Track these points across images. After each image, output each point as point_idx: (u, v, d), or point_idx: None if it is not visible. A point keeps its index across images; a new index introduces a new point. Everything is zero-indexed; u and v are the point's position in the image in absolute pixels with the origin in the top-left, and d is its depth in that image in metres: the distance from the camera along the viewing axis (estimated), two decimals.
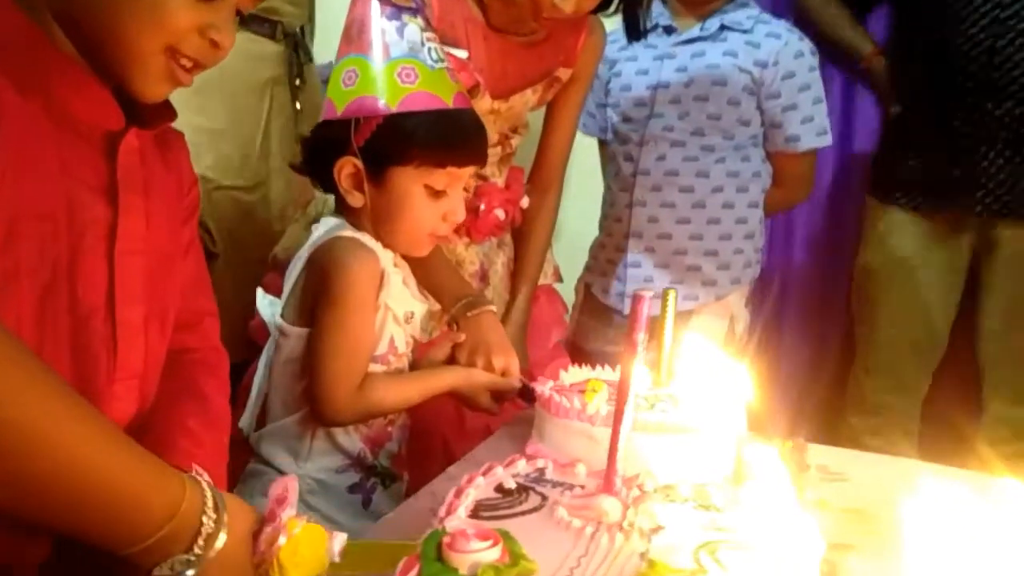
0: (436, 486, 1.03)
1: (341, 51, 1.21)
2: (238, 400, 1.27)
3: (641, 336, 0.83)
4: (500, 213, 1.58)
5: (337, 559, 0.77)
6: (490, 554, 0.67)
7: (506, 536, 0.70)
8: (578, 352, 1.85)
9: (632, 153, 1.79)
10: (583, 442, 1.09)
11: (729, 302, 1.84)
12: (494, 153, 1.58)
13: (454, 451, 1.36)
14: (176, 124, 0.94)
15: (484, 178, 1.59)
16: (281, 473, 1.18)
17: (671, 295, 1.18)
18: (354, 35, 1.18)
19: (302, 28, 1.84)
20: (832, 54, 1.99)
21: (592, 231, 1.99)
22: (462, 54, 1.44)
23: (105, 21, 0.78)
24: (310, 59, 1.87)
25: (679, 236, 1.79)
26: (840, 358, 2.20)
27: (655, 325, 1.78)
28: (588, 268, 1.96)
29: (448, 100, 1.18)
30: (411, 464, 1.32)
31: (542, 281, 1.72)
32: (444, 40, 1.42)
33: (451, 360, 1.30)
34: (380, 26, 1.16)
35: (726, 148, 1.76)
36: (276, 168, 1.76)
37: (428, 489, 1.02)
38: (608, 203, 1.89)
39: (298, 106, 1.81)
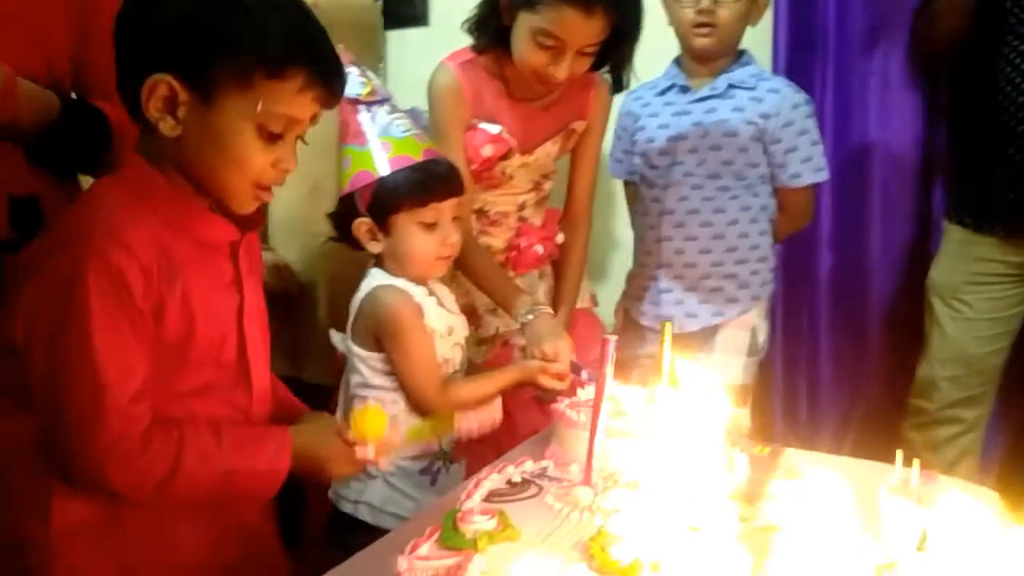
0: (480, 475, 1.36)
1: (340, 144, 1.58)
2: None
3: (609, 370, 1.14)
4: (539, 248, 1.92)
5: (397, 441, 1.36)
6: (488, 524, 1.00)
7: (501, 513, 1.03)
8: (617, 363, 2.14)
9: (658, 196, 2.07)
10: None
11: (751, 316, 2.08)
12: (530, 198, 1.92)
13: (502, 444, 1.66)
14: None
15: (524, 219, 1.93)
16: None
17: (668, 327, 1.44)
18: (343, 132, 1.58)
19: None
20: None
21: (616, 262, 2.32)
22: (495, 128, 1.79)
23: (207, 171, 1.10)
24: None
25: (703, 264, 2.05)
26: (880, 370, 2.38)
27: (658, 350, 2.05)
28: (625, 294, 2.25)
29: (417, 156, 1.55)
30: (468, 452, 1.66)
31: (581, 305, 2.04)
32: (478, 116, 1.79)
33: None
34: (358, 119, 1.54)
35: (738, 187, 2.02)
36: None
37: (474, 477, 1.35)
38: (638, 238, 2.17)
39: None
